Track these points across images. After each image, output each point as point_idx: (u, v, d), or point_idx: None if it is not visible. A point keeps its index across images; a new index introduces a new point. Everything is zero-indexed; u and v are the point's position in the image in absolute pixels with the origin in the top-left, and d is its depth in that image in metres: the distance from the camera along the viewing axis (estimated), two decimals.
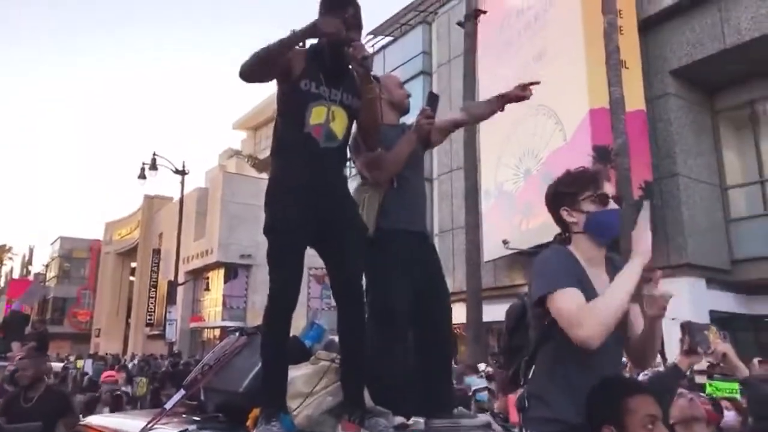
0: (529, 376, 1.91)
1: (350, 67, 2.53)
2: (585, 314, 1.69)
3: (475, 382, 7.12)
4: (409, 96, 3.07)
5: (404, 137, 2.80)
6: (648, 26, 12.48)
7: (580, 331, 1.68)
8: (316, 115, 2.43)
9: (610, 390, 1.70)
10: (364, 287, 2.59)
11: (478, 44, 13.57)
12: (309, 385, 2.36)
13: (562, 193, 1.98)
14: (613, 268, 1.92)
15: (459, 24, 13.68)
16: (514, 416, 2.02)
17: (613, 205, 1.91)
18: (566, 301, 1.74)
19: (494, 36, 15.74)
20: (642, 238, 1.81)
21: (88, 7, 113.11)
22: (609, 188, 1.94)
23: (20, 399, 4.11)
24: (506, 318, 2.17)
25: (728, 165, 12.74)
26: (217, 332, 28.46)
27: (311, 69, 2.45)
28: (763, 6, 10.73)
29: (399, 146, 2.77)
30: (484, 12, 13.63)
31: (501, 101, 3.01)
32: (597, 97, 11.19)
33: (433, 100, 2.91)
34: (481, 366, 8.96)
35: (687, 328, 2.14)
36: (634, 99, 11.14)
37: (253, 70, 2.40)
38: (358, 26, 2.53)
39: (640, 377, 4.18)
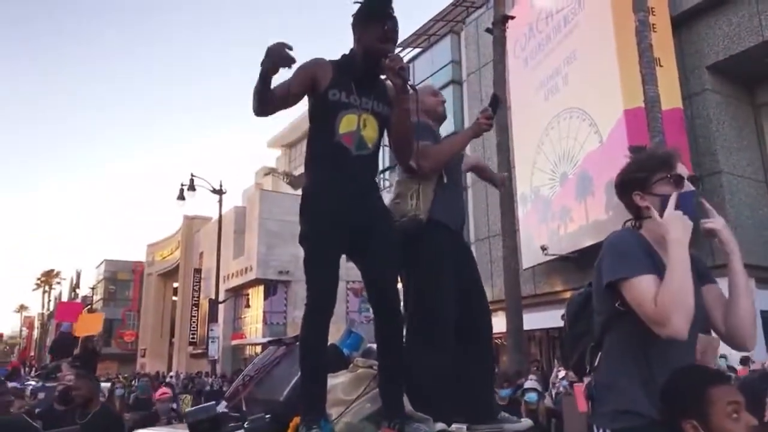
0: (595, 364, 1.85)
1: (382, 76, 2.55)
2: (665, 310, 1.61)
3: (526, 383, 7.03)
4: (443, 102, 3.06)
5: (460, 135, 2.80)
6: (682, 22, 12.23)
7: (665, 328, 1.61)
8: (347, 123, 2.45)
9: (689, 380, 1.60)
10: (405, 284, 2.59)
11: (508, 50, 13.51)
12: (348, 393, 2.36)
13: (634, 178, 1.91)
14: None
15: (488, 31, 13.63)
16: (583, 405, 1.95)
17: (688, 186, 1.83)
18: (645, 293, 1.67)
19: (524, 41, 15.66)
20: (670, 220, 1.74)
21: (125, 35, 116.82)
22: (682, 169, 1.86)
23: (75, 416, 4.21)
24: (567, 308, 2.10)
25: None
26: (259, 349, 28.70)
27: (340, 78, 2.47)
28: None
29: (452, 140, 2.78)
30: (513, 17, 13.55)
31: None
32: (631, 97, 11.01)
33: (495, 101, 2.88)
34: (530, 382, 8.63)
35: None
36: (671, 97, 10.92)
37: (260, 109, 2.44)
38: (395, 39, 2.54)
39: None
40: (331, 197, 2.41)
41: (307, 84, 2.47)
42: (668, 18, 12.00)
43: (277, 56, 2.28)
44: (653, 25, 10.51)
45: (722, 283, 1.91)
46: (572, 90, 13.55)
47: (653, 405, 1.66)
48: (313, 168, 2.54)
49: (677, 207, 1.78)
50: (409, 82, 2.43)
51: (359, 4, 2.51)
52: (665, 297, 1.63)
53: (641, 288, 1.68)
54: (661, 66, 10.70)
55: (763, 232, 11.60)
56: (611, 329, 1.80)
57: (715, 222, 1.85)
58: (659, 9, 11.65)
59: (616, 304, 1.75)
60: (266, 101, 2.40)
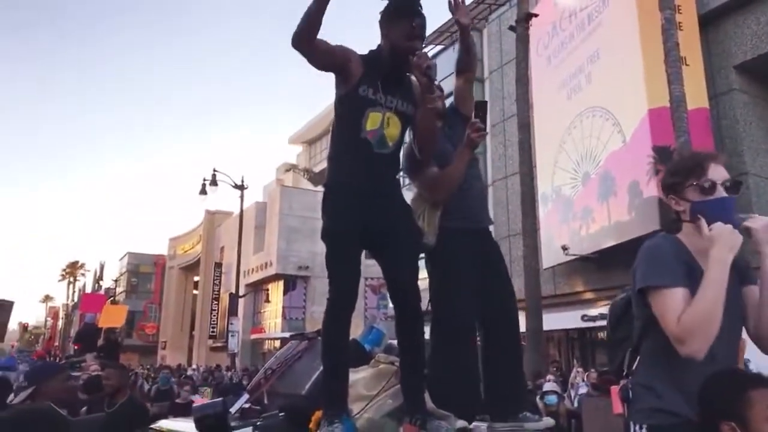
0: (634, 367, 1.85)
1: (408, 75, 2.55)
2: (686, 330, 1.62)
3: (545, 386, 7.02)
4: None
5: (457, 155, 2.76)
6: (709, 21, 12.03)
7: (684, 347, 1.63)
8: (372, 120, 2.45)
9: (729, 382, 1.58)
10: (424, 289, 2.60)
11: (531, 48, 13.42)
12: (370, 388, 2.39)
13: (668, 184, 1.90)
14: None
15: (510, 28, 13.56)
16: (618, 407, 1.95)
17: (720, 192, 1.79)
18: (670, 308, 1.67)
19: (546, 39, 15.53)
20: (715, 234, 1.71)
21: (151, 37, 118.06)
22: (719, 174, 1.81)
23: (104, 405, 4.29)
24: (609, 312, 2.11)
25: None
26: (278, 343, 28.92)
27: (369, 75, 2.47)
28: None
29: (454, 166, 2.74)
30: (536, 15, 13.45)
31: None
32: (656, 96, 10.86)
33: (480, 108, 2.78)
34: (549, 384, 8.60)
35: None
36: (697, 96, 10.76)
37: (299, 31, 2.35)
38: (423, 36, 2.55)
39: None
40: (353, 194, 2.43)
41: (338, 59, 2.46)
42: (695, 16, 11.81)
43: None
44: (679, 23, 10.36)
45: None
46: (595, 89, 13.42)
47: (690, 407, 1.66)
48: (337, 162, 2.55)
49: (707, 214, 1.76)
50: (436, 82, 2.44)
51: (388, 1, 2.51)
52: (690, 318, 1.63)
53: (668, 301, 1.69)
54: (687, 65, 10.55)
55: None
56: (648, 335, 1.81)
57: (755, 221, 1.83)
58: (686, 7, 11.48)
59: (650, 311, 1.76)
60: (312, 19, 2.33)
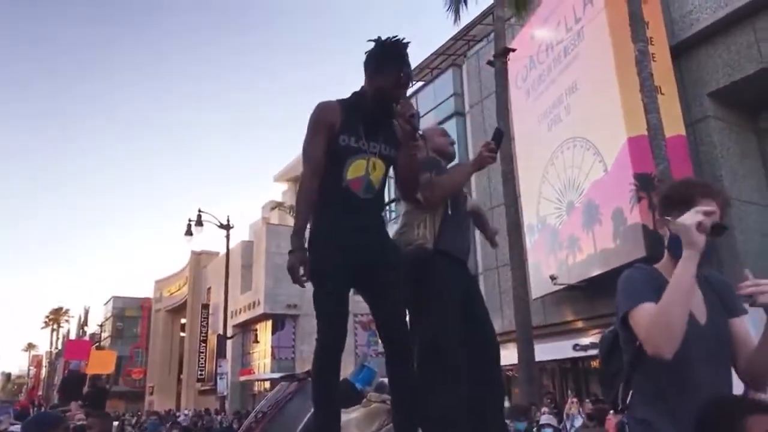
0: (627, 402, 1.84)
1: (393, 120, 2.57)
2: (650, 329, 1.64)
3: (542, 419, 6.96)
4: (453, 143, 3.11)
5: (462, 166, 2.83)
6: (681, 51, 12.38)
7: (649, 346, 1.64)
8: (355, 169, 2.48)
9: (725, 410, 1.53)
10: (412, 315, 2.59)
11: (509, 82, 13.70)
12: (362, 428, 2.37)
13: (659, 207, 1.91)
14: (709, 287, 1.85)
15: (489, 63, 13.85)
16: None
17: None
18: (640, 319, 1.70)
19: (525, 72, 15.86)
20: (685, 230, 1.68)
21: (128, 65, 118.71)
22: (708, 207, 1.73)
23: None
24: (600, 345, 2.11)
25: None
26: (267, 384, 28.45)
27: (349, 122, 2.50)
28: None
29: (454, 173, 2.81)
30: (513, 50, 13.79)
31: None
32: (634, 125, 11.09)
33: (498, 135, 2.86)
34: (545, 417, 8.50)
35: None
36: (674, 124, 10.99)
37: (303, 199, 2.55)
38: (408, 85, 2.61)
39: None
40: (338, 236, 2.45)
41: (329, 131, 2.51)
42: (667, 47, 12.15)
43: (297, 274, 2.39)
44: (653, 54, 10.66)
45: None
46: (575, 120, 13.67)
47: None
48: (321, 210, 2.55)
49: (676, 250, 1.74)
50: (419, 131, 2.48)
51: (374, 44, 2.54)
52: (652, 317, 1.66)
53: (638, 315, 1.71)
54: (662, 94, 10.81)
55: None
56: (638, 368, 1.81)
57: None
58: (658, 39, 11.82)
59: (637, 343, 1.76)
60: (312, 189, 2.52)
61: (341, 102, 2.57)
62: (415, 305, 2.64)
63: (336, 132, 2.49)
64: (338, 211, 2.49)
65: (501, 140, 2.88)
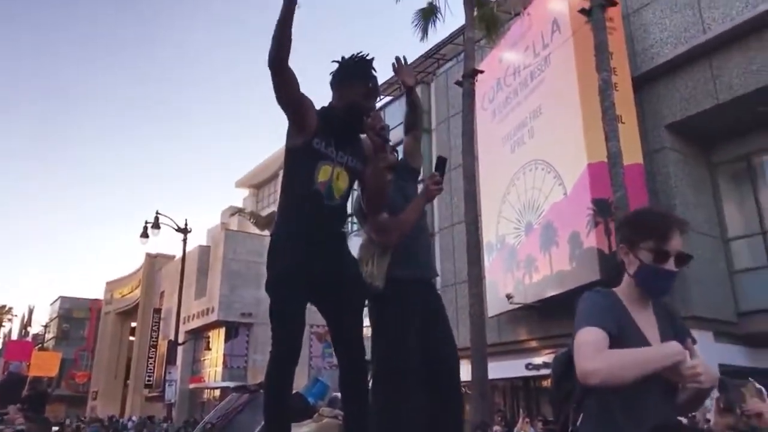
0: (578, 424, 1.84)
1: (360, 133, 2.62)
2: (598, 353, 1.64)
3: None
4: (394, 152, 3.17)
5: (413, 204, 2.84)
6: (642, 83, 12.78)
7: (586, 363, 1.63)
8: (323, 173, 2.50)
9: None
10: (369, 340, 2.58)
11: (476, 102, 13.90)
12: None
13: (626, 234, 1.89)
14: (664, 312, 1.87)
15: (458, 83, 14.04)
16: None
17: (671, 264, 1.78)
18: (585, 336, 1.70)
19: (492, 94, 16.14)
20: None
21: (90, 65, 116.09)
22: (676, 244, 1.78)
23: None
24: (552, 366, 2.09)
25: (729, 217, 12.78)
26: (218, 393, 27.90)
27: (324, 129, 2.53)
28: (753, 62, 11.02)
29: (407, 213, 2.80)
30: (482, 71, 14.02)
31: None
32: (594, 151, 11.36)
33: (441, 164, 2.89)
34: None
35: (723, 384, 1.99)
36: (632, 153, 11.30)
37: (273, 54, 2.39)
38: (377, 96, 2.66)
39: None
40: (299, 246, 2.42)
41: (302, 99, 2.51)
42: (629, 78, 12.53)
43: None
44: (615, 84, 10.97)
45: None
46: (538, 143, 13.93)
47: None
48: (286, 212, 2.55)
49: (653, 282, 1.80)
50: (389, 142, 2.51)
51: (339, 63, 2.59)
52: (621, 353, 1.65)
53: (585, 334, 1.71)
54: (623, 123, 11.11)
55: (720, 286, 11.93)
56: (591, 393, 1.80)
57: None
58: (620, 69, 12.17)
59: None
60: (282, 41, 2.37)
61: (318, 111, 2.59)
62: (374, 326, 2.64)
63: (310, 132, 2.50)
64: (303, 215, 2.48)
65: (445, 167, 2.91)
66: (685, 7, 12.21)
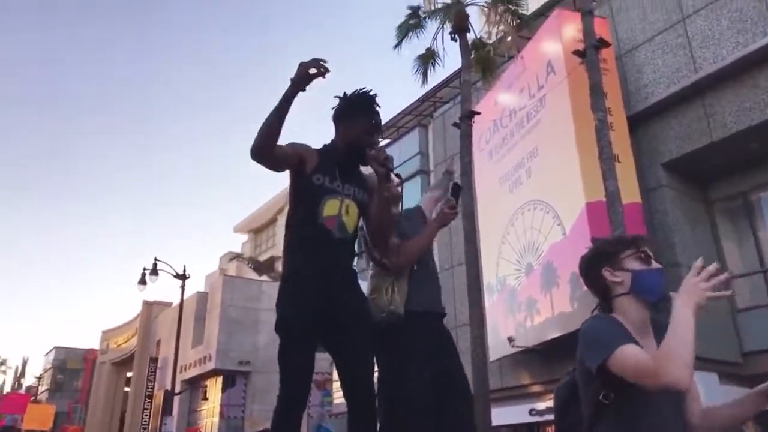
0: None
1: (363, 166, 2.65)
2: (662, 360, 1.58)
3: None
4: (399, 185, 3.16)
5: (427, 227, 2.85)
6: (638, 122, 12.92)
7: (665, 377, 1.56)
8: (330, 207, 2.49)
9: None
10: (378, 375, 2.53)
11: (473, 143, 14.00)
12: None
13: (603, 253, 1.90)
14: (658, 332, 1.81)
15: (455, 125, 14.20)
16: None
17: (656, 264, 1.83)
18: (632, 355, 1.63)
19: (488, 135, 16.29)
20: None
21: (84, 107, 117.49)
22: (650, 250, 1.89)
23: None
24: (555, 397, 2.04)
25: (728, 255, 12.72)
26: None
27: (325, 165, 2.54)
28: (746, 100, 11.16)
29: (421, 237, 2.80)
30: (478, 113, 14.19)
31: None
32: (592, 190, 11.38)
33: (456, 190, 2.95)
34: None
35: None
36: (629, 192, 11.32)
37: (260, 146, 2.34)
38: (379, 131, 2.69)
39: None
40: (311, 284, 2.39)
41: (294, 160, 2.50)
42: (624, 118, 12.67)
43: (311, 65, 2.28)
44: (611, 123, 11.07)
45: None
46: (535, 183, 13.98)
47: None
48: (295, 251, 2.53)
49: (651, 282, 1.79)
50: (393, 172, 2.53)
51: (341, 99, 2.62)
52: (665, 347, 1.60)
53: (628, 352, 1.64)
54: (619, 162, 11.17)
55: (723, 326, 11.77)
56: (600, 420, 1.74)
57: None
58: (615, 109, 12.31)
59: (600, 397, 1.70)
60: (273, 133, 2.31)
61: (317, 149, 2.61)
62: (385, 365, 2.59)
63: (310, 171, 2.50)
64: (311, 251, 2.46)
65: (459, 194, 2.95)
66: (677, 48, 12.44)
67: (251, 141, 2.28)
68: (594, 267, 1.90)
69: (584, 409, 1.82)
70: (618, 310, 1.83)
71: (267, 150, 2.36)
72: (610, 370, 1.66)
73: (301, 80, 2.27)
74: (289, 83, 2.30)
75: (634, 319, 1.80)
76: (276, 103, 2.30)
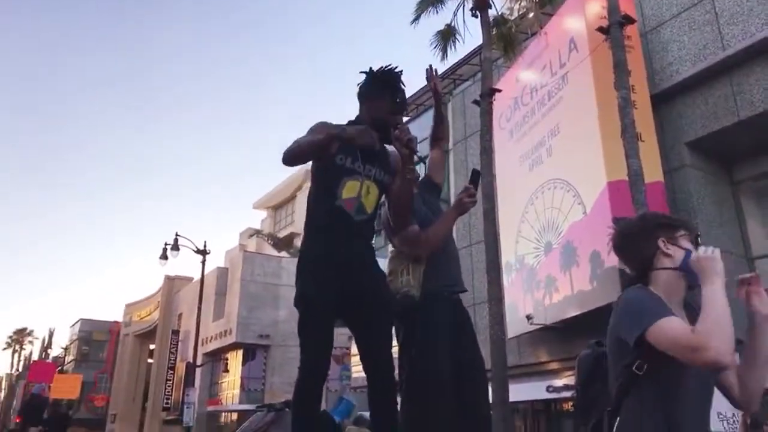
0: (615, 429, 1.78)
1: (387, 146, 2.64)
2: (704, 335, 1.62)
3: None
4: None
5: (444, 216, 2.83)
6: (662, 100, 12.69)
7: (707, 352, 1.60)
8: (349, 189, 2.50)
9: None
10: (400, 351, 2.57)
11: (494, 121, 13.90)
12: None
13: (663, 224, 1.91)
14: (691, 312, 1.85)
15: (475, 103, 14.08)
16: None
17: (700, 249, 1.87)
18: (676, 328, 1.66)
19: (509, 113, 16.13)
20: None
21: (109, 88, 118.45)
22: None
23: None
24: (577, 369, 2.06)
25: (752, 235, 12.54)
26: (235, 416, 27.80)
27: (348, 145, 2.52)
28: None
29: (439, 224, 2.79)
30: (499, 90, 14.05)
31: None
32: (614, 169, 11.26)
33: (475, 177, 2.92)
34: None
35: None
36: (652, 171, 11.18)
37: (292, 161, 2.46)
38: (404, 110, 2.69)
39: None
40: (329, 261, 2.41)
41: (324, 150, 2.52)
42: (648, 96, 12.45)
43: (354, 134, 2.39)
44: (634, 101, 10.90)
45: None
46: (556, 162, 13.86)
47: None
48: (313, 229, 2.55)
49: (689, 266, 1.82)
50: (417, 153, 2.51)
51: (366, 75, 2.59)
52: (706, 323, 1.64)
53: (671, 325, 1.67)
54: (642, 141, 11.02)
55: (743, 308, 11.67)
56: (629, 394, 1.75)
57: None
58: (639, 87, 12.10)
59: (634, 368, 1.72)
60: (306, 158, 2.49)
61: (339, 126, 2.58)
62: (403, 342, 2.62)
63: (334, 151, 2.49)
64: (330, 232, 2.47)
65: (479, 181, 2.94)
66: (703, 25, 12.15)
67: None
68: (647, 235, 1.89)
69: (613, 381, 1.83)
70: (655, 284, 1.84)
71: (297, 162, 2.51)
72: (648, 342, 1.68)
73: (335, 138, 2.40)
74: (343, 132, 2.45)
75: (672, 294, 1.82)
76: (311, 138, 2.44)
